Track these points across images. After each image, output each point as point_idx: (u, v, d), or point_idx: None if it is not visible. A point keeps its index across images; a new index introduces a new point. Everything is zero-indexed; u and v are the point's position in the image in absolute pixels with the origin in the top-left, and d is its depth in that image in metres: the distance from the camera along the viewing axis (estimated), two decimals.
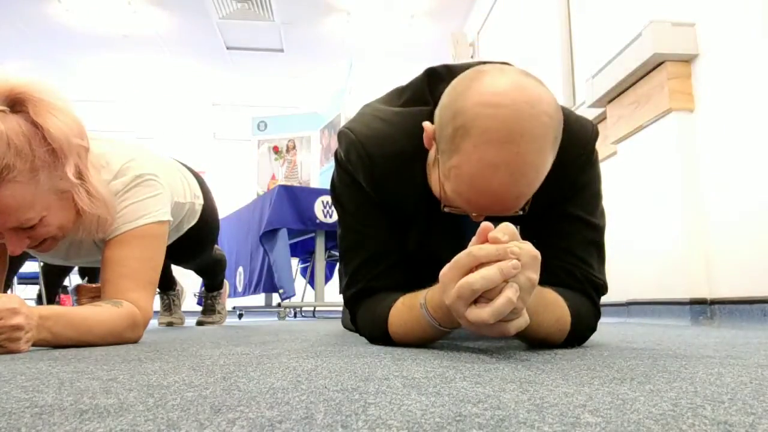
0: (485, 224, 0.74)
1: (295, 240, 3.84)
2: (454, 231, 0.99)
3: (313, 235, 3.52)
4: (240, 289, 3.98)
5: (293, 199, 3.31)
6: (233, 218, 4.12)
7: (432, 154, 0.90)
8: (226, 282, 2.59)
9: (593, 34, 2.96)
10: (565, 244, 0.96)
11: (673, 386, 0.52)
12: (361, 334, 1.10)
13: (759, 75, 1.84)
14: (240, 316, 4.44)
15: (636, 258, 2.34)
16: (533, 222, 0.94)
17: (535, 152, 0.77)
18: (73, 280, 3.57)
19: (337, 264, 3.19)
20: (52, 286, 2.71)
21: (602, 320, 1.11)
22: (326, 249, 3.57)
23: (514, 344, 1.01)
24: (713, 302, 1.99)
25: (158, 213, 1.25)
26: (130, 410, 0.42)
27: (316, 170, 4.73)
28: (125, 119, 7.09)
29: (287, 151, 4.91)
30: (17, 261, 1.78)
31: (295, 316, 4.33)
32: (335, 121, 4.35)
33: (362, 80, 5.52)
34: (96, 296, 1.78)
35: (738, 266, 1.91)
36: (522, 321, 0.74)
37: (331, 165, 2.22)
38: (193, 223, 1.70)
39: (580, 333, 0.95)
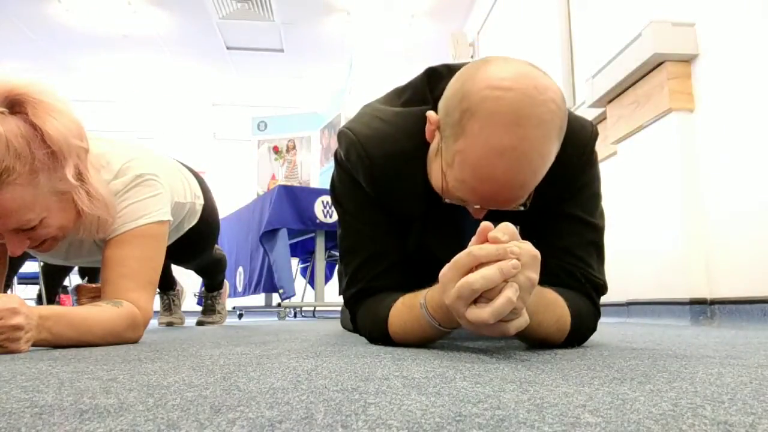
0: (485, 224, 0.74)
1: (295, 240, 3.84)
2: (454, 231, 0.99)
3: (313, 235, 3.52)
4: (240, 289, 3.98)
5: (293, 199, 3.31)
6: (233, 218, 4.12)
7: (434, 145, 0.90)
8: (226, 282, 2.59)
9: (593, 34, 2.96)
10: (564, 244, 0.96)
11: (673, 386, 0.52)
12: (361, 334, 1.10)
13: (759, 75, 1.84)
14: (240, 316, 4.44)
15: (636, 258, 2.34)
16: (533, 222, 0.94)
17: (541, 138, 0.76)
18: (73, 280, 3.57)
19: (337, 264, 3.19)
20: (52, 286, 2.71)
21: (602, 320, 1.11)
22: (326, 249, 3.57)
23: (514, 344, 1.01)
24: (713, 302, 1.99)
25: (158, 213, 1.25)
26: (130, 410, 0.42)
27: (316, 170, 4.72)
28: (125, 119, 7.09)
29: (287, 151, 4.91)
30: (17, 261, 1.78)
31: (295, 316, 4.33)
32: (335, 121, 4.34)
33: (362, 80, 5.52)
34: (96, 296, 1.77)
35: (738, 266, 1.90)
36: (522, 321, 0.74)
37: (331, 165, 2.22)
38: (193, 223, 1.70)
39: (580, 333, 0.95)
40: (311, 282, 3.77)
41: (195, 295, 3.29)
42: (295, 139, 4.91)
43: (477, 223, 0.76)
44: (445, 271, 0.74)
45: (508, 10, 4.34)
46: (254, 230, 3.58)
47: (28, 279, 3.67)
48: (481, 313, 0.70)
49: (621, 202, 2.45)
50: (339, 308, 1.92)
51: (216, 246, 2.21)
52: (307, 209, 3.33)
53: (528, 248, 0.72)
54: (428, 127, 0.90)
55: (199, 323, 2.46)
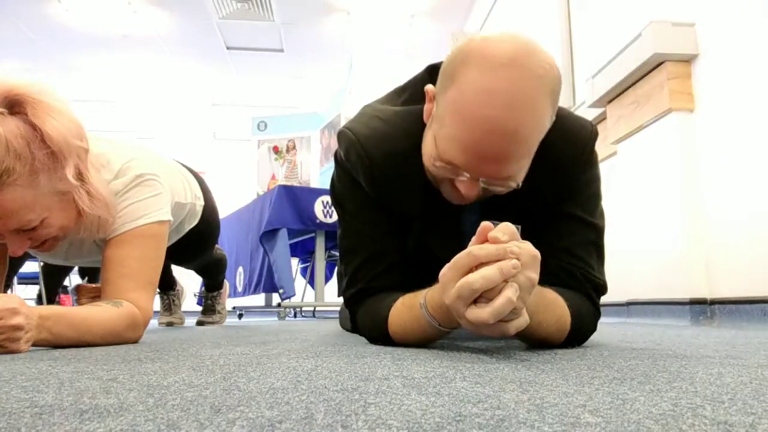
0: (485, 224, 0.74)
1: (295, 240, 3.84)
2: (454, 231, 0.99)
3: (313, 235, 3.52)
4: (240, 289, 3.98)
5: (293, 199, 3.31)
6: (233, 218, 4.12)
7: (429, 120, 0.90)
8: (226, 282, 2.59)
9: (593, 34, 2.96)
10: (564, 244, 0.96)
11: (673, 386, 0.52)
12: (361, 334, 1.10)
13: (759, 75, 1.84)
14: (240, 316, 4.44)
15: (636, 258, 2.34)
16: (533, 222, 0.93)
17: (534, 89, 0.77)
18: (73, 280, 3.57)
19: (337, 265, 3.19)
20: (52, 286, 2.71)
21: (602, 320, 1.11)
22: (326, 249, 3.57)
23: (514, 344, 1.01)
24: (713, 302, 1.99)
25: (159, 213, 1.25)
26: (130, 410, 0.42)
27: (316, 170, 4.72)
28: (125, 119, 7.09)
29: (287, 151, 4.91)
30: (18, 261, 1.78)
31: (295, 316, 4.33)
32: (335, 121, 4.34)
33: (362, 80, 5.51)
34: (96, 296, 1.77)
35: (738, 266, 1.90)
36: (522, 321, 0.74)
37: (331, 165, 2.22)
38: (194, 224, 1.70)
39: (580, 333, 0.95)
40: (311, 282, 3.77)
41: (195, 295, 3.29)
42: (295, 139, 4.91)
43: (477, 223, 0.76)
44: (445, 271, 0.74)
45: (508, 10, 4.34)
46: (254, 230, 3.58)
47: (28, 279, 3.67)
48: (481, 313, 0.70)
49: (621, 202, 2.45)
50: (339, 308, 1.92)
51: (216, 246, 2.21)
52: (307, 209, 3.33)
53: (528, 248, 0.72)
54: (426, 106, 0.90)
55: (199, 323, 2.46)
